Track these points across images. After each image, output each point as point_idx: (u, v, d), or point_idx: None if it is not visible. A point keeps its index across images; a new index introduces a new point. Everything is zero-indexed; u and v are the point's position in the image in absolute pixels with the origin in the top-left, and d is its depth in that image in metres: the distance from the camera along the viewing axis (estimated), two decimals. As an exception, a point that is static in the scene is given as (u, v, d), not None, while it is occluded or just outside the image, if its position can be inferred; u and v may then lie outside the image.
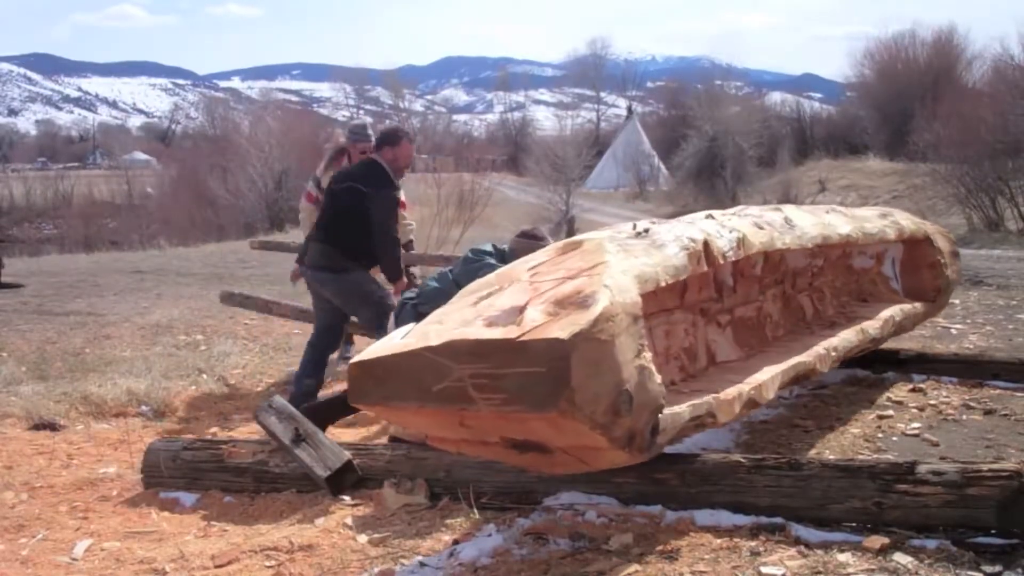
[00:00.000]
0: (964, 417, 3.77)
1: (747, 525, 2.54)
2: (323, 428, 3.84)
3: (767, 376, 3.15)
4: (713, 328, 3.56)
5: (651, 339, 3.02)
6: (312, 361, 4.99)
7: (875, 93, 34.98)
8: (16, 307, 8.00)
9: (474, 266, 3.92)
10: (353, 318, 5.11)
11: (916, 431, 3.59)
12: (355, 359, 2.47)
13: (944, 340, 5.45)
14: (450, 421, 2.41)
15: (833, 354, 3.60)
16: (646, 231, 2.86)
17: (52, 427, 4.70)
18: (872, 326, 4.02)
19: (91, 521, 3.38)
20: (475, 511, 2.87)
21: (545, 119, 69.59)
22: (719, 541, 2.46)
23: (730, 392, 2.93)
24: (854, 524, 2.48)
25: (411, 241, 6.13)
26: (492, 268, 3.81)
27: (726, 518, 2.58)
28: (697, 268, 2.91)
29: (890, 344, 4.56)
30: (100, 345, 6.43)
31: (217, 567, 2.78)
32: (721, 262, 3.05)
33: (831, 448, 3.41)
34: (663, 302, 3.23)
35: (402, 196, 6.11)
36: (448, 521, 2.89)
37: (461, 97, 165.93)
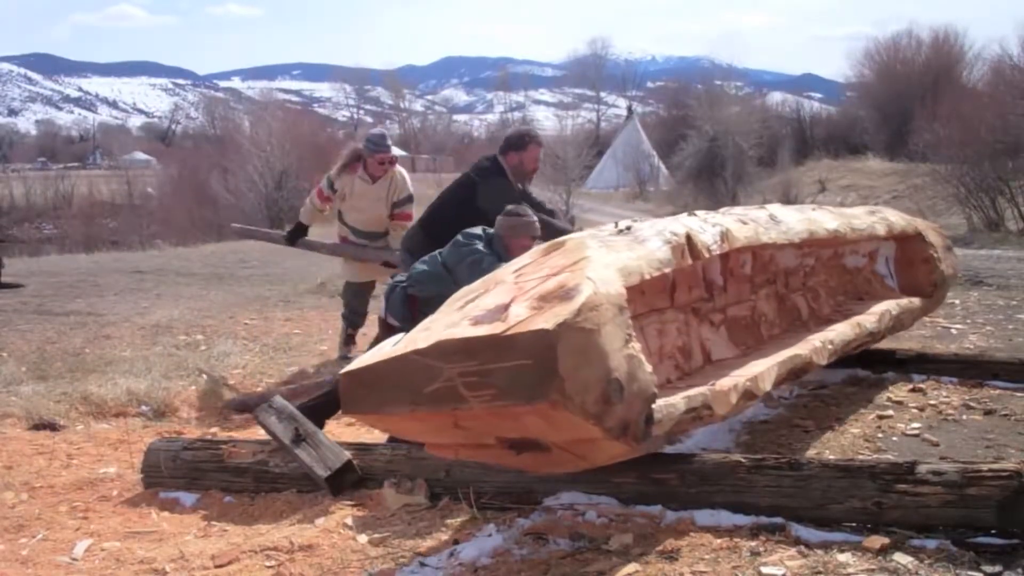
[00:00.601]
0: (964, 417, 3.77)
1: (747, 525, 2.54)
2: (321, 425, 3.85)
3: (763, 368, 3.16)
4: (707, 327, 3.56)
5: (643, 338, 3.04)
6: None
7: (875, 93, 35.02)
8: (16, 307, 7.99)
9: (464, 250, 3.91)
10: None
11: (916, 431, 3.59)
12: (344, 370, 2.47)
13: (944, 340, 5.45)
14: (445, 424, 2.42)
15: (830, 347, 3.60)
16: (628, 228, 2.91)
17: (52, 427, 4.69)
18: (868, 320, 4.03)
19: (91, 521, 3.38)
20: (475, 511, 2.87)
21: (545, 119, 69.64)
22: (719, 541, 2.46)
23: (725, 383, 2.93)
24: (854, 524, 2.48)
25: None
26: (479, 253, 3.84)
27: (726, 518, 2.59)
28: (682, 261, 2.94)
29: (890, 344, 4.56)
30: (100, 345, 6.42)
31: (217, 567, 2.79)
32: (706, 256, 3.08)
33: (831, 448, 3.41)
34: (653, 302, 3.24)
35: (411, 210, 6.14)
36: (448, 521, 2.89)
37: (461, 97, 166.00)
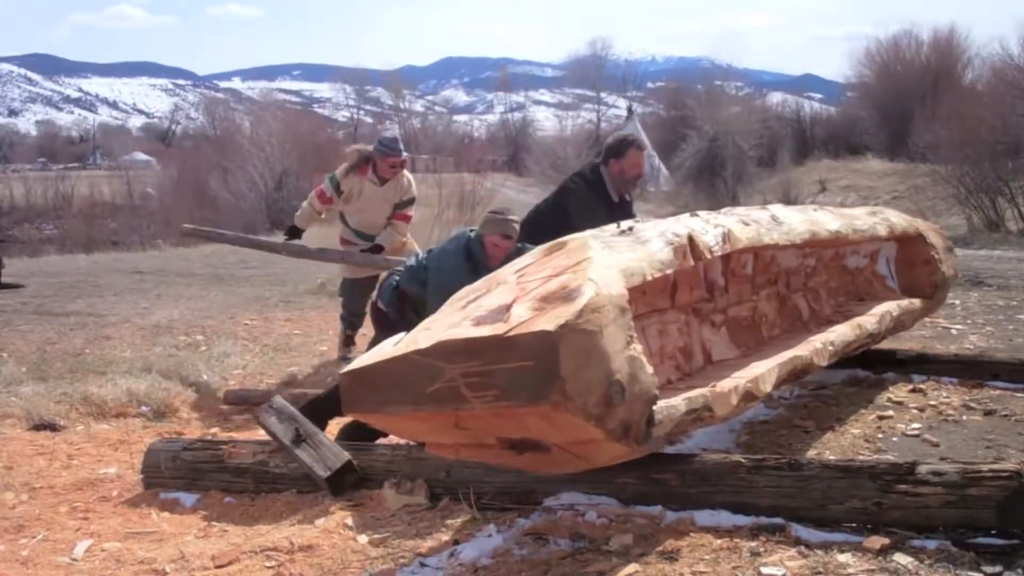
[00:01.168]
0: (964, 418, 3.77)
1: (747, 525, 2.54)
2: (323, 426, 3.85)
3: (763, 369, 3.16)
4: (708, 328, 3.56)
5: (644, 339, 3.04)
6: None
7: (875, 94, 35.00)
8: (16, 307, 7.99)
9: (440, 256, 4.07)
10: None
11: (916, 431, 3.59)
12: (345, 369, 2.47)
13: (944, 340, 5.45)
14: (446, 424, 2.42)
15: (830, 348, 3.60)
16: (630, 229, 2.90)
17: (52, 427, 4.70)
18: (868, 321, 4.03)
19: (91, 522, 3.38)
20: (475, 511, 2.87)
21: (545, 119, 69.68)
22: (719, 541, 2.46)
23: (726, 384, 2.93)
24: (854, 524, 2.48)
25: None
26: (449, 261, 3.98)
27: (726, 518, 2.59)
28: (684, 262, 2.93)
29: (890, 344, 4.56)
30: (100, 346, 6.42)
31: (217, 567, 2.79)
32: (708, 256, 3.08)
33: (831, 448, 3.41)
34: (654, 302, 3.24)
35: (411, 212, 6.13)
36: (448, 521, 2.89)
37: (461, 97, 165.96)
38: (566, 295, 2.32)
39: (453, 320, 2.42)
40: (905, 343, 4.92)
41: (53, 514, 3.47)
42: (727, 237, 3.17)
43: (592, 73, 72.85)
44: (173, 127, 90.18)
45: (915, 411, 3.87)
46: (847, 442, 3.48)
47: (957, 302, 6.73)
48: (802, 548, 2.38)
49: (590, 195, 4.65)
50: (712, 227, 3.16)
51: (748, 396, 3.00)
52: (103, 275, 10.66)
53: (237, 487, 3.49)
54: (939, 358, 4.52)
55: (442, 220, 12.35)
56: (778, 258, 4.05)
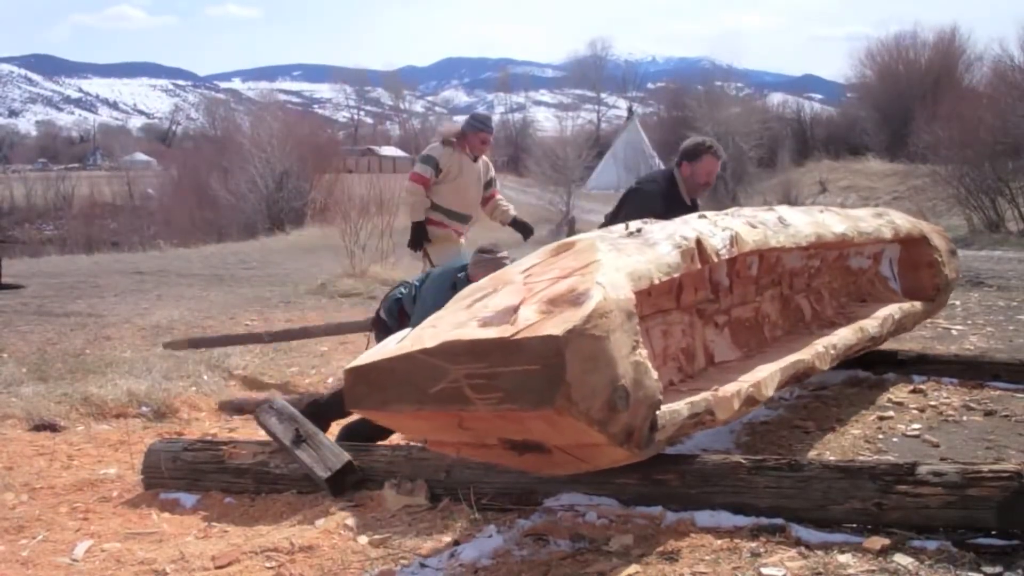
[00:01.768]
0: (964, 418, 3.77)
1: (747, 526, 2.54)
2: (325, 428, 3.85)
3: (766, 373, 3.15)
4: (711, 329, 3.55)
5: (648, 340, 3.03)
6: None
7: (875, 94, 35.02)
8: (16, 308, 8.00)
9: (435, 280, 4.15)
10: None
11: (916, 432, 3.58)
12: (349, 365, 2.46)
13: (944, 341, 5.45)
14: (449, 423, 2.41)
15: (832, 352, 3.59)
16: (638, 231, 2.88)
17: (52, 428, 4.70)
18: (871, 324, 4.02)
19: (91, 522, 3.38)
20: (475, 512, 2.87)
21: (545, 120, 69.61)
22: (719, 542, 2.46)
23: (728, 389, 2.92)
24: (854, 525, 2.48)
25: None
26: (436, 285, 4.06)
27: (726, 519, 2.58)
28: (691, 266, 2.91)
29: (891, 345, 4.55)
30: (100, 346, 6.43)
31: (218, 568, 2.79)
32: (715, 260, 3.06)
33: (831, 449, 3.40)
34: (659, 303, 3.23)
35: (496, 187, 6.20)
36: (448, 522, 2.89)
37: (462, 98, 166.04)
38: (574, 298, 2.30)
39: (459, 319, 2.40)
40: (905, 343, 4.92)
41: (53, 514, 3.47)
42: (735, 240, 3.15)
43: (592, 74, 72.93)
44: (173, 127, 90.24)
45: (915, 412, 3.87)
46: (847, 443, 3.48)
47: (957, 303, 6.73)
48: (802, 549, 2.38)
49: (647, 195, 4.54)
50: (720, 230, 3.13)
51: (750, 400, 3.00)
52: (103, 276, 10.67)
53: (237, 488, 3.49)
54: (939, 359, 4.51)
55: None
56: (783, 259, 4.05)
